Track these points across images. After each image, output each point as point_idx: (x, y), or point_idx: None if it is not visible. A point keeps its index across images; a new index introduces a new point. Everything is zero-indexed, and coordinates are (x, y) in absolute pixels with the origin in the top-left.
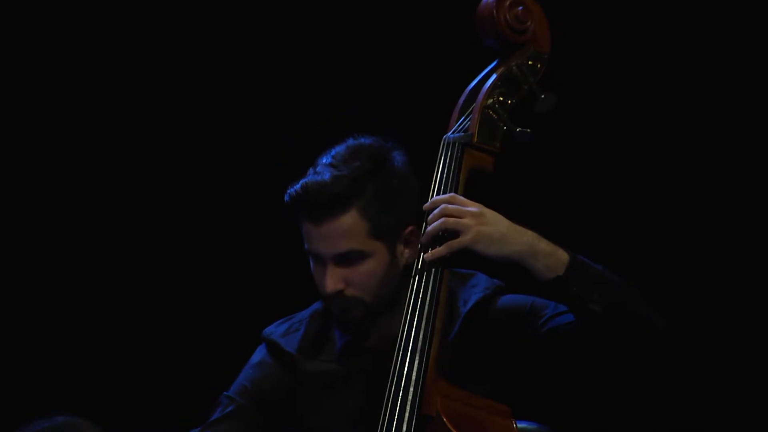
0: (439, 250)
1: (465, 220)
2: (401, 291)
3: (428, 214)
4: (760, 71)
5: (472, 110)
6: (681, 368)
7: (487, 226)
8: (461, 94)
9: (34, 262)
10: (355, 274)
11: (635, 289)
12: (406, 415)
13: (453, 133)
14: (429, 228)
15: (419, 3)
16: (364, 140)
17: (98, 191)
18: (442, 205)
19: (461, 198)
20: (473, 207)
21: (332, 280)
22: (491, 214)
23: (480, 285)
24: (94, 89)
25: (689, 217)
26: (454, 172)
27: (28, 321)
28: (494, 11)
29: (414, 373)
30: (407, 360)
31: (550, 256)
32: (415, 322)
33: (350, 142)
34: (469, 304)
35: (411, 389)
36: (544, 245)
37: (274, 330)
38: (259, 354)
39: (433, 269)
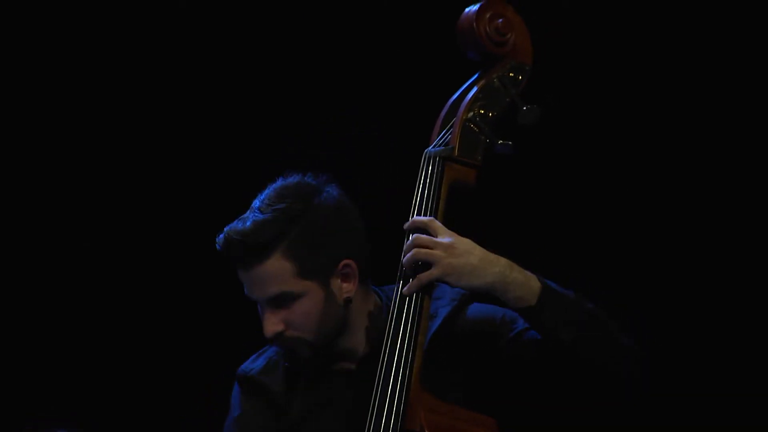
0: (412, 284)
1: (435, 252)
2: (350, 318)
3: (406, 237)
4: (756, 77)
5: (453, 124)
6: (675, 373)
7: (457, 258)
8: (443, 107)
9: (31, 264)
10: (291, 315)
11: (607, 317)
12: (390, 429)
13: (434, 146)
14: (403, 258)
15: (401, 17)
16: (291, 180)
17: (97, 191)
18: (414, 235)
19: (437, 225)
20: (445, 237)
21: (270, 323)
22: (463, 245)
23: (445, 297)
24: (94, 89)
25: (677, 225)
26: (435, 185)
27: (24, 322)
28: (474, 23)
29: (398, 387)
30: (391, 374)
31: (521, 286)
32: (399, 335)
33: (278, 183)
34: (438, 320)
35: (395, 403)
36: (516, 275)
37: (252, 366)
38: (236, 399)
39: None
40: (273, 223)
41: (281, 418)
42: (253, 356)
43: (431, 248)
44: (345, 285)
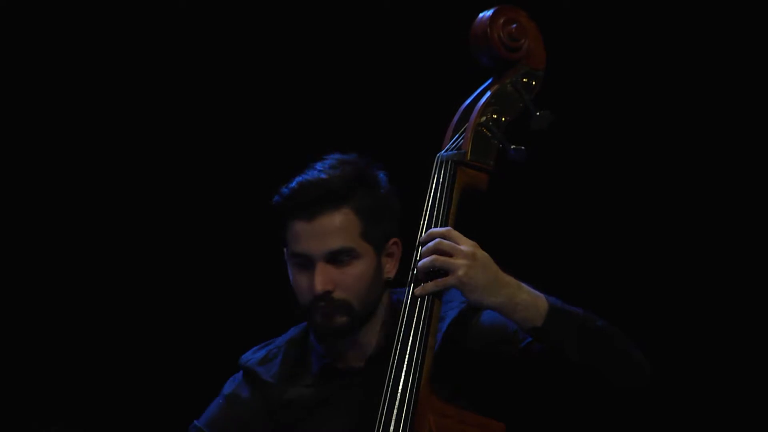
0: (427, 287)
1: (455, 261)
2: (378, 308)
3: (422, 245)
4: (758, 77)
5: (465, 128)
6: (675, 377)
7: (475, 270)
8: (456, 111)
9: (31, 264)
10: (344, 276)
11: (617, 331)
12: (399, 431)
13: (446, 151)
14: (420, 262)
15: (414, 21)
16: (349, 155)
17: (97, 191)
18: (437, 239)
19: (456, 233)
20: (467, 246)
21: (322, 279)
22: (483, 258)
23: (455, 300)
24: (94, 89)
25: (694, 232)
26: (447, 190)
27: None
28: (488, 29)
29: (407, 390)
30: (401, 375)
31: (528, 308)
32: (410, 337)
33: (336, 155)
34: (447, 321)
35: (404, 405)
36: (524, 296)
37: (251, 357)
38: (232, 383)
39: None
40: (346, 177)
41: (276, 411)
42: (256, 347)
43: (452, 256)
44: (389, 263)
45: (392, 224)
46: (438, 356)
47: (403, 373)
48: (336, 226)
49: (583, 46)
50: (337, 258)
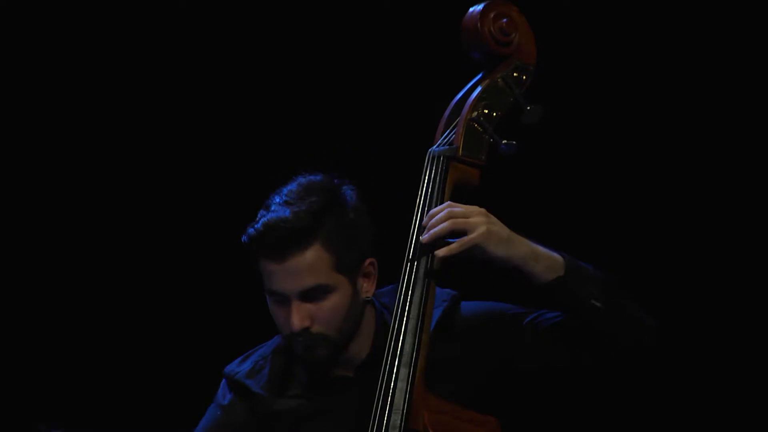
0: (452, 247)
1: (474, 219)
2: (362, 323)
3: (427, 221)
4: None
5: (457, 123)
6: (674, 373)
7: (495, 224)
8: (447, 106)
9: (30, 263)
10: (320, 311)
11: (624, 288)
12: (394, 429)
13: (438, 146)
14: (438, 227)
15: (404, 16)
16: (313, 177)
17: (97, 191)
18: (447, 207)
19: (458, 204)
20: (477, 208)
21: (298, 317)
22: (494, 217)
23: (436, 299)
24: (94, 89)
25: (678, 226)
26: (439, 185)
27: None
28: (478, 23)
29: (401, 387)
30: (394, 374)
31: (548, 258)
32: (402, 336)
33: (300, 180)
34: (435, 317)
35: (398, 403)
36: (540, 249)
37: (238, 369)
38: (223, 396)
39: (420, 281)
40: (312, 213)
41: (266, 423)
42: (239, 358)
43: (468, 217)
44: (366, 284)
45: (366, 245)
46: (430, 354)
47: (396, 372)
48: (307, 264)
49: (573, 40)
50: (311, 295)
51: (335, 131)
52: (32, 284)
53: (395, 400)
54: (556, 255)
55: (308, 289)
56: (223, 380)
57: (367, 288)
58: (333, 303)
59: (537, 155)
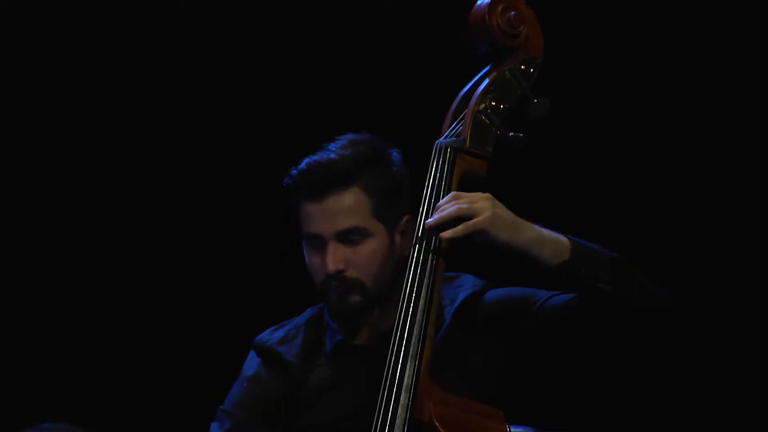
0: (458, 229)
1: (479, 204)
2: (393, 287)
3: (435, 211)
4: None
5: (464, 115)
6: (680, 371)
7: (500, 209)
8: (454, 98)
9: (30, 263)
10: (356, 255)
11: (634, 265)
12: (399, 420)
13: (445, 138)
14: (446, 211)
15: (412, 8)
16: (361, 135)
17: (96, 191)
18: (453, 193)
19: (463, 192)
20: (483, 194)
21: (334, 258)
22: (499, 202)
23: (467, 284)
24: (93, 89)
25: (683, 221)
26: (446, 177)
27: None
28: (486, 16)
29: (406, 378)
30: (399, 365)
31: (554, 242)
32: (408, 326)
33: (349, 135)
34: (458, 302)
35: (403, 394)
36: (546, 233)
37: (270, 337)
38: (253, 363)
39: (427, 271)
40: (356, 160)
41: (296, 392)
42: (272, 328)
43: (474, 202)
44: (403, 242)
45: (405, 202)
46: (442, 342)
47: (401, 363)
48: (346, 206)
49: (581, 33)
50: (348, 237)
51: (343, 124)
52: (32, 284)
53: (400, 391)
54: (562, 238)
55: (345, 230)
56: (250, 353)
57: (404, 246)
58: (370, 248)
59: (544, 148)
